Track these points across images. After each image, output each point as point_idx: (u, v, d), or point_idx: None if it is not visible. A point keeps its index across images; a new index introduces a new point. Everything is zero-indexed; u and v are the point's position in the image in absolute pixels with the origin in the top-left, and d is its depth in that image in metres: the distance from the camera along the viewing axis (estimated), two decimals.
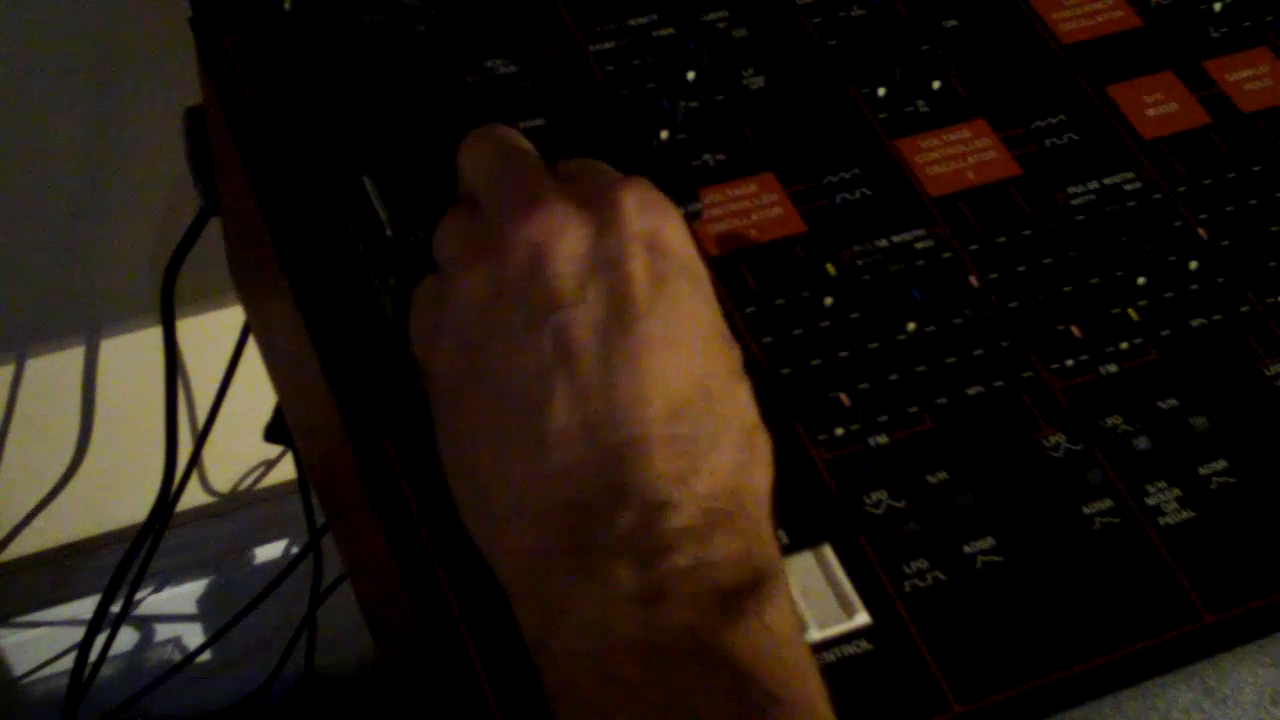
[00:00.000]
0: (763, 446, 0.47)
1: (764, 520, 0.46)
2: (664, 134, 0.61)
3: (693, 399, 0.45)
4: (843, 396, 0.54)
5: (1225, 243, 0.61)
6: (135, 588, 1.04)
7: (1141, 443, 0.55)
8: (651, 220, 0.47)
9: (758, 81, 0.64)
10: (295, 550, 1.25)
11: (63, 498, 1.14)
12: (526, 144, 0.50)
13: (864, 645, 0.49)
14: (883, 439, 0.54)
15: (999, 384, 0.56)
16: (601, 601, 0.42)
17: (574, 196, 0.46)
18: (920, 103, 0.64)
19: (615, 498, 0.43)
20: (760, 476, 0.47)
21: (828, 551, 0.51)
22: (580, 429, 0.44)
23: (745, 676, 0.41)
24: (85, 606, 1.21)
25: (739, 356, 0.48)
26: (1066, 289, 0.59)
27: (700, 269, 0.48)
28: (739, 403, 0.47)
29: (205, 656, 1.22)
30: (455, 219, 0.49)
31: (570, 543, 0.44)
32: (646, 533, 0.43)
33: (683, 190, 0.57)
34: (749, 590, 0.43)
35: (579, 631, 0.43)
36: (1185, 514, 0.53)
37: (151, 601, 1.25)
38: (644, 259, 0.46)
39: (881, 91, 0.64)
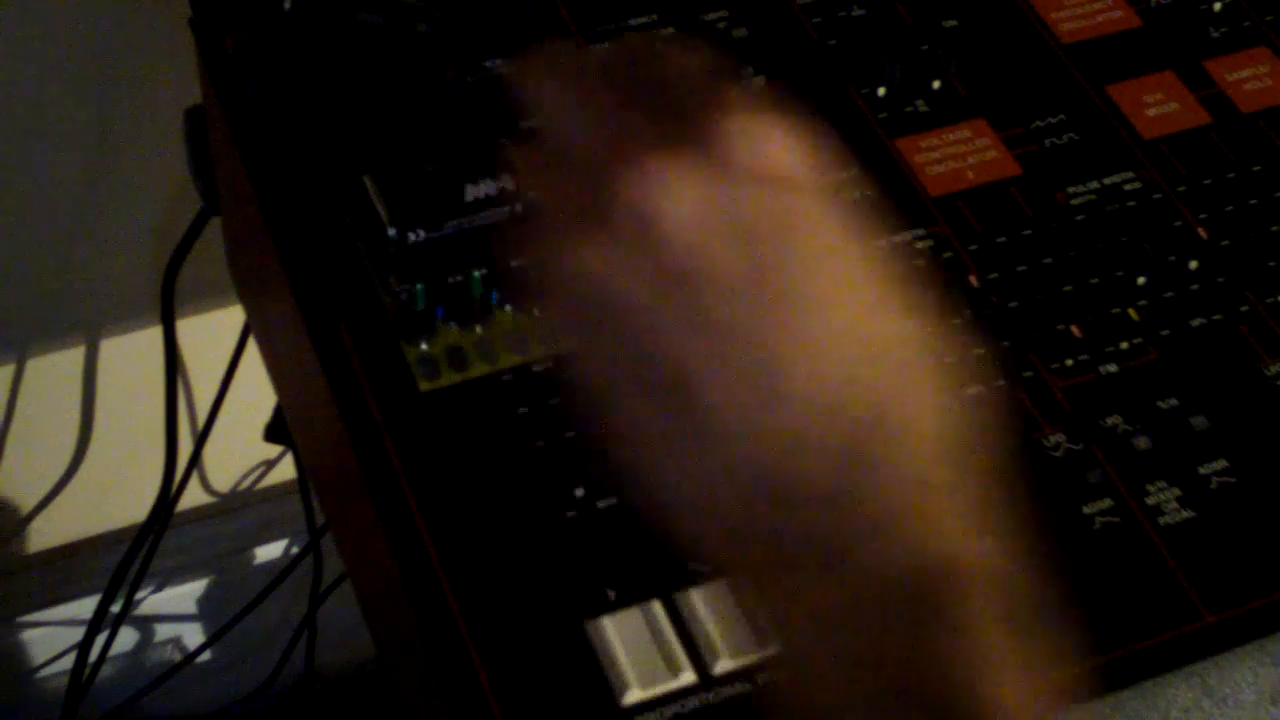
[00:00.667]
0: (950, 390, 0.40)
1: (964, 481, 0.40)
2: None
3: (853, 352, 0.39)
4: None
5: (1225, 243, 0.61)
6: (135, 588, 1.04)
7: (1141, 443, 0.55)
8: (761, 148, 0.40)
9: (758, 81, 0.64)
10: (295, 550, 1.25)
11: (63, 498, 1.14)
12: (592, 60, 0.43)
13: None
14: None
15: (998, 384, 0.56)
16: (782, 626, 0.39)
17: (670, 136, 0.40)
18: (920, 103, 0.64)
19: (788, 493, 0.38)
20: (952, 428, 0.40)
21: None
22: (735, 414, 0.38)
23: (935, 697, 0.37)
24: (85, 606, 1.21)
25: (898, 272, 0.41)
26: (1066, 289, 0.58)
27: (821, 185, 0.41)
28: (913, 340, 0.40)
29: (205, 656, 1.22)
30: (540, 164, 0.42)
31: (744, 549, 0.39)
32: (822, 535, 0.38)
33: None
34: (938, 589, 0.38)
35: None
36: (1185, 514, 0.53)
37: (151, 601, 1.25)
38: (762, 200, 0.39)
39: (881, 91, 0.64)
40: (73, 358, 1.03)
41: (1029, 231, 0.60)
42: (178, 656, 1.28)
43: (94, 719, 1.20)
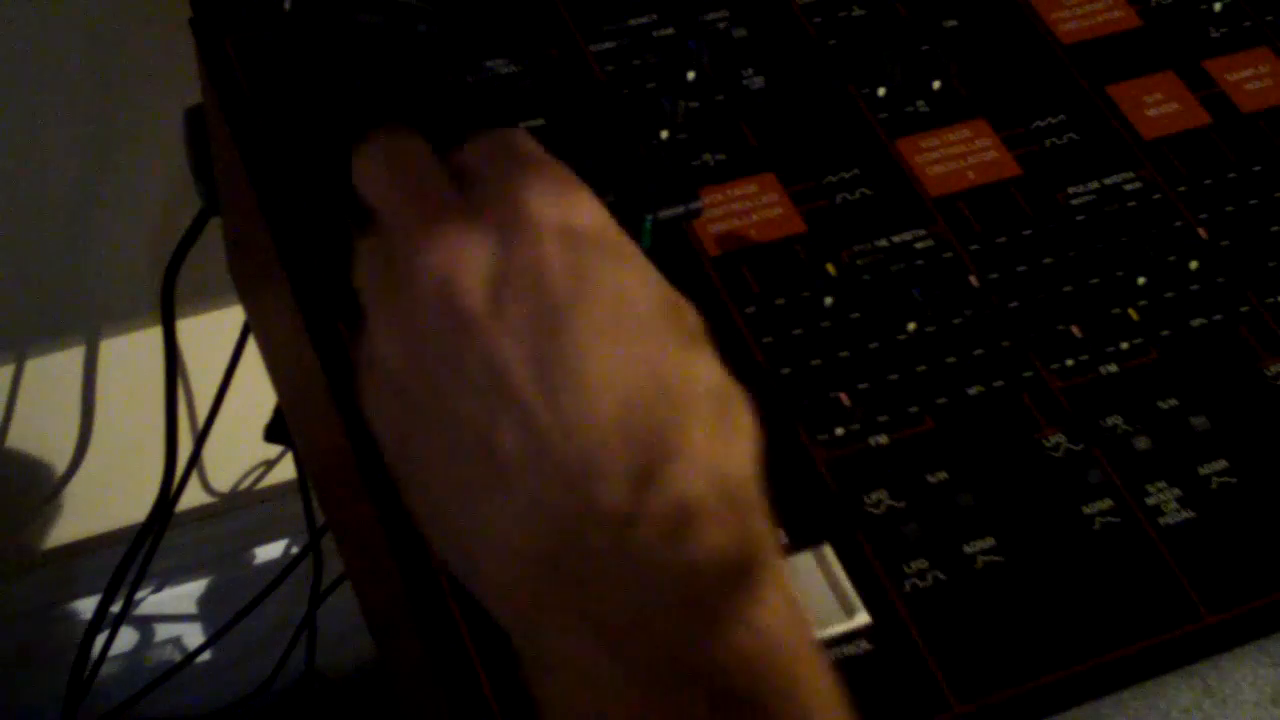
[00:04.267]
0: (738, 411, 0.43)
1: (750, 494, 0.42)
2: (664, 134, 0.61)
3: (644, 385, 0.41)
4: (843, 396, 0.54)
5: (1225, 243, 0.61)
6: (135, 588, 1.04)
7: (1141, 443, 0.55)
8: (559, 206, 0.43)
9: (758, 81, 0.64)
10: (295, 550, 1.25)
11: (63, 498, 1.14)
12: (417, 145, 0.46)
13: (864, 645, 0.49)
14: (883, 439, 0.54)
15: (999, 384, 0.56)
16: (584, 648, 0.40)
17: (470, 206, 0.43)
18: (920, 103, 0.64)
19: (581, 520, 0.40)
20: (740, 444, 0.43)
21: (828, 551, 0.51)
22: (533, 455, 0.40)
23: (733, 696, 0.39)
24: (85, 606, 1.21)
25: (693, 319, 0.44)
26: (1066, 289, 0.59)
27: (624, 243, 0.44)
28: (699, 372, 0.43)
29: (205, 656, 1.22)
30: (362, 250, 0.45)
31: (545, 579, 0.41)
32: (619, 551, 0.40)
33: (683, 190, 0.57)
34: (735, 589, 0.40)
35: (567, 687, 0.41)
36: (1185, 514, 0.53)
37: (151, 601, 1.25)
38: (558, 253, 0.42)
39: (881, 91, 0.64)
40: (73, 358, 1.03)
41: (1029, 231, 0.60)
42: (178, 656, 1.28)
43: (94, 719, 1.20)
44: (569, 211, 0.43)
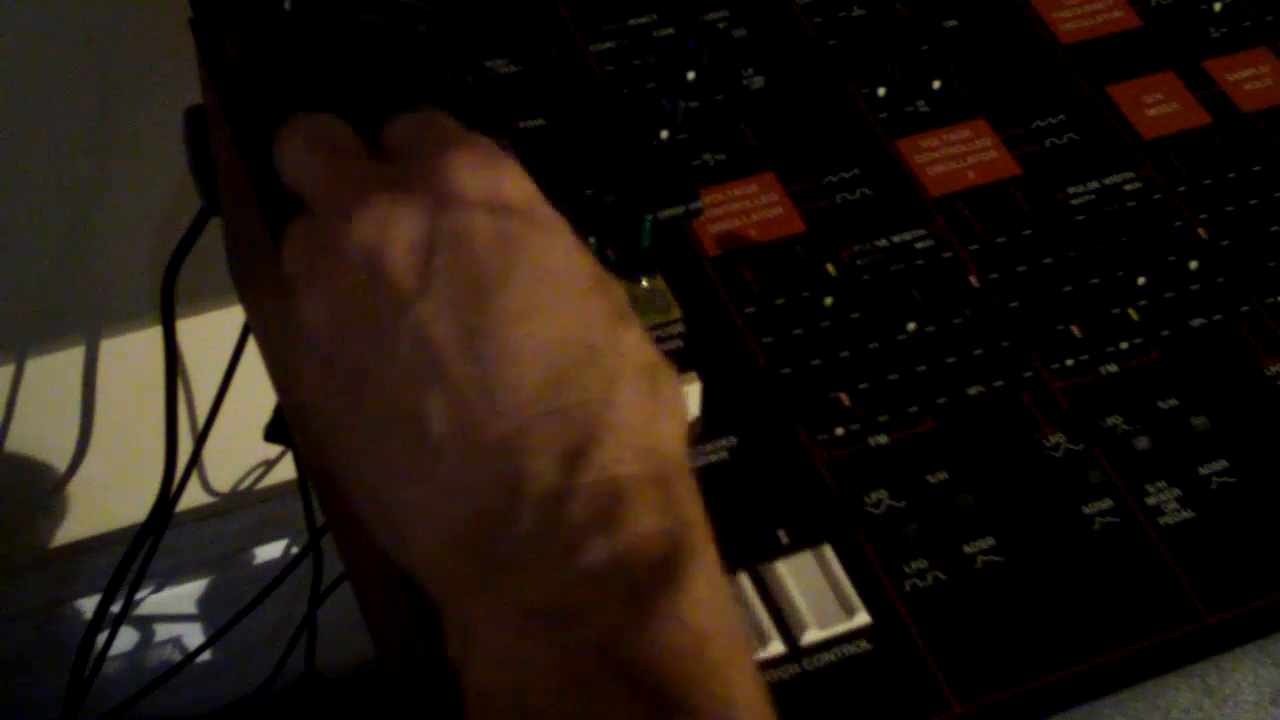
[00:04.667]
0: (667, 387, 0.42)
1: (680, 473, 0.41)
2: (664, 134, 0.61)
3: (573, 359, 0.40)
4: (843, 396, 0.54)
5: (1225, 243, 0.61)
6: (135, 588, 1.04)
7: (1141, 443, 0.55)
8: (486, 179, 0.42)
9: (758, 81, 0.64)
10: (295, 550, 1.25)
11: (63, 498, 1.14)
12: (340, 127, 0.46)
13: (864, 645, 0.49)
14: (883, 439, 0.54)
15: (999, 384, 0.56)
16: (511, 631, 0.39)
17: (398, 178, 0.42)
18: (920, 103, 0.64)
19: (510, 498, 0.39)
20: (670, 422, 0.42)
21: (828, 551, 0.51)
22: (461, 430, 0.40)
23: (659, 693, 0.38)
24: (85, 606, 1.21)
25: (621, 296, 0.43)
26: (1066, 289, 0.59)
27: (552, 216, 0.44)
28: (628, 347, 0.42)
29: (205, 656, 1.22)
30: (293, 228, 0.45)
31: (472, 563, 0.40)
32: (548, 533, 0.39)
33: (683, 190, 0.57)
34: (666, 580, 0.39)
35: (491, 666, 0.40)
36: (1185, 514, 0.53)
37: (151, 601, 1.25)
38: (486, 224, 0.41)
39: (881, 91, 0.64)
40: (73, 358, 1.03)
41: (1029, 231, 0.60)
42: (178, 656, 1.28)
43: (94, 719, 1.20)
44: (497, 184, 0.43)
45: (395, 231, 0.41)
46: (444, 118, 0.46)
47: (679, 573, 0.39)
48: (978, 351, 0.57)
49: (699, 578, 0.40)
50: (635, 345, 0.42)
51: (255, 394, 0.90)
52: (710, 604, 0.40)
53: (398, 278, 0.41)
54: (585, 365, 0.41)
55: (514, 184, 0.43)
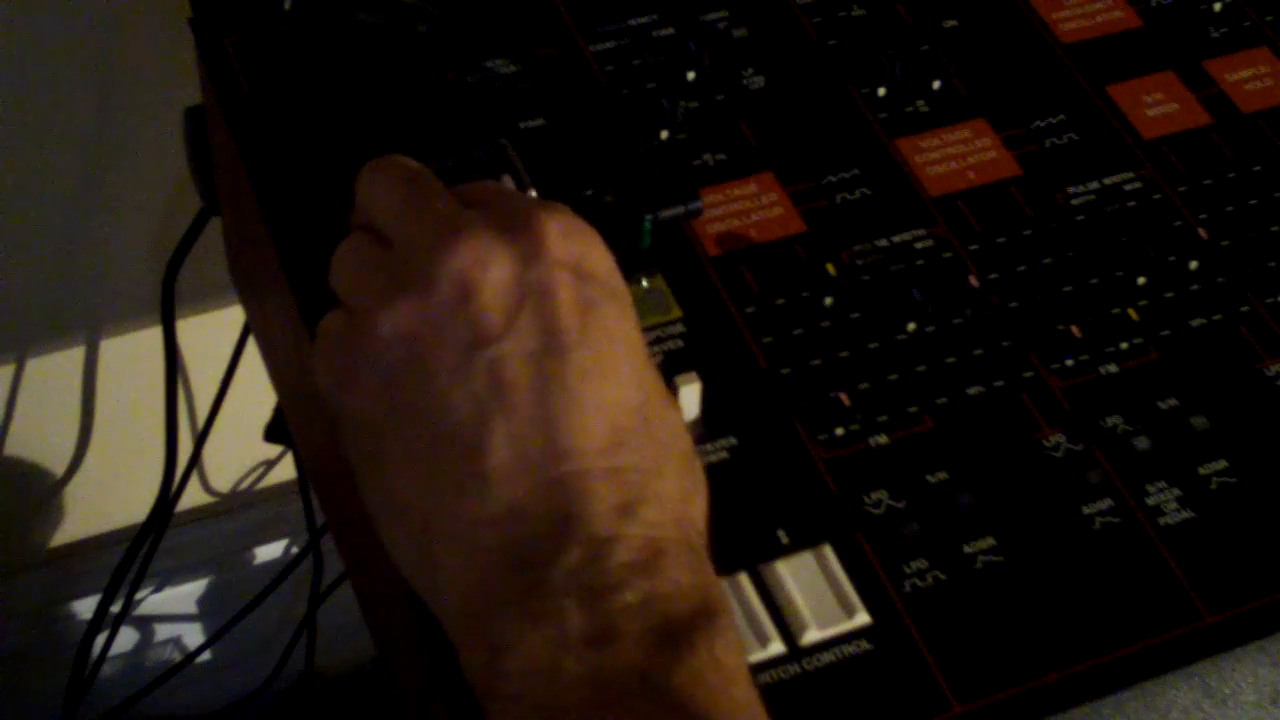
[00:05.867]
0: (700, 473, 0.46)
1: (704, 547, 0.45)
2: (664, 134, 0.61)
3: (632, 427, 0.44)
4: (843, 396, 0.54)
5: (1225, 243, 0.61)
6: (135, 588, 1.04)
7: (1141, 443, 0.55)
8: (575, 246, 0.45)
9: (758, 81, 0.64)
10: (295, 550, 1.25)
11: (63, 498, 1.14)
12: (428, 172, 0.48)
13: (864, 645, 0.49)
14: (883, 439, 0.54)
15: (999, 384, 0.56)
16: (549, 644, 0.41)
17: (493, 223, 0.44)
18: (920, 103, 0.64)
19: (560, 534, 0.42)
20: (700, 504, 0.46)
21: (828, 551, 0.51)
22: (520, 465, 0.43)
23: (697, 717, 0.40)
24: (85, 606, 1.21)
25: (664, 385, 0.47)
26: (1066, 289, 0.59)
27: (626, 294, 0.47)
28: (675, 428, 0.46)
29: (205, 656, 1.22)
30: (359, 251, 0.46)
31: (515, 583, 0.42)
32: (594, 569, 0.42)
33: (683, 190, 0.57)
34: (698, 624, 0.42)
35: (526, 677, 0.41)
36: (1185, 514, 0.53)
37: (151, 601, 1.25)
38: (571, 286, 0.44)
39: (881, 91, 0.64)
40: (73, 358, 1.03)
41: (1029, 231, 0.60)
42: (178, 656, 1.28)
43: (94, 719, 1.20)
44: (584, 252, 0.45)
45: (491, 268, 0.43)
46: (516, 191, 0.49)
47: (710, 620, 0.42)
48: (978, 351, 0.57)
49: (727, 630, 0.43)
50: (680, 427, 0.46)
51: (255, 394, 0.90)
52: (736, 654, 0.43)
53: (485, 313, 0.43)
54: (641, 435, 0.44)
55: (598, 255, 0.46)
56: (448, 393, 0.43)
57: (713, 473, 0.52)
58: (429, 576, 0.45)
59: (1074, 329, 0.57)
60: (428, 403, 0.43)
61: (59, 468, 1.11)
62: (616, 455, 0.43)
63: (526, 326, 0.43)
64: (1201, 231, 0.61)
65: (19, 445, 1.08)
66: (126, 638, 1.26)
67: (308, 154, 0.58)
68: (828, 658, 0.49)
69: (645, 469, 0.44)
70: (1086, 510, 0.53)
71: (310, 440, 0.67)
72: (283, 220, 0.57)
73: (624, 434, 0.44)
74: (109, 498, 1.15)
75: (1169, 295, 0.59)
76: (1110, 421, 0.55)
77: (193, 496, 1.18)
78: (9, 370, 1.01)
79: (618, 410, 0.44)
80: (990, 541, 0.52)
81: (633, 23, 0.65)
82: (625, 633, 0.41)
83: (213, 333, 1.01)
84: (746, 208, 0.60)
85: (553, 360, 0.43)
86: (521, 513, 0.42)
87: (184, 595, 1.27)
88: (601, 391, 0.44)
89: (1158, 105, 0.65)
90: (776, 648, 0.49)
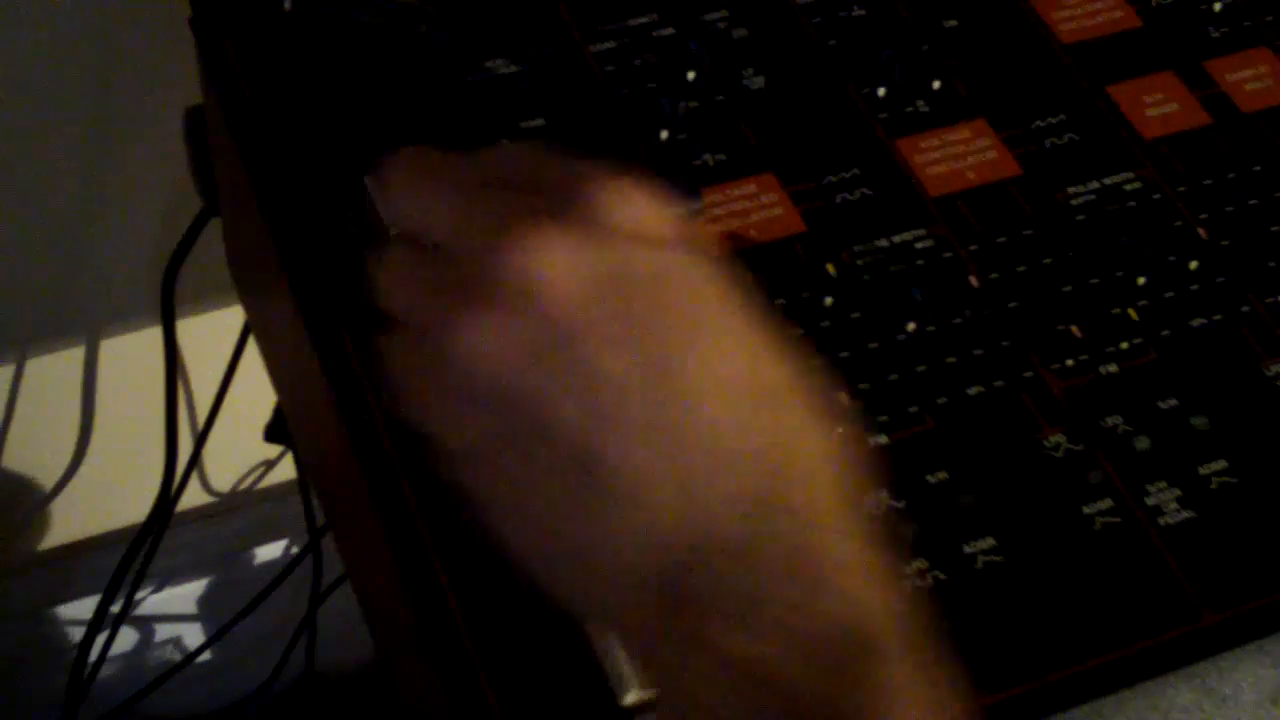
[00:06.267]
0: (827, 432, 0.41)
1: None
2: (664, 134, 0.61)
3: (744, 400, 0.39)
4: (844, 396, 0.54)
5: (1225, 243, 0.61)
6: (135, 588, 1.04)
7: (1141, 443, 0.55)
8: (630, 210, 0.41)
9: (758, 81, 0.64)
10: (295, 550, 1.25)
11: (63, 498, 1.14)
12: (450, 158, 0.44)
13: None
14: (883, 439, 0.54)
15: (999, 384, 0.56)
16: (710, 667, 0.38)
17: (541, 206, 0.40)
18: (920, 103, 0.64)
19: (704, 541, 0.38)
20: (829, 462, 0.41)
21: None
22: (646, 466, 0.38)
23: None
24: (85, 606, 1.21)
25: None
26: (1066, 289, 0.59)
27: (705, 256, 0.42)
28: (792, 390, 0.41)
29: (205, 656, 1.22)
30: (406, 264, 0.42)
31: (667, 603, 0.38)
32: (748, 577, 0.38)
33: (683, 190, 0.57)
34: (856, 655, 0.39)
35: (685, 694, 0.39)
36: (1185, 514, 0.53)
37: (151, 601, 1.25)
38: (637, 256, 0.40)
39: (881, 91, 0.64)
40: (73, 358, 1.03)
41: (1029, 231, 0.60)
42: (178, 656, 1.28)
43: (94, 719, 1.20)
44: (637, 216, 0.41)
45: (559, 258, 0.39)
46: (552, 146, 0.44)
47: (863, 632, 0.40)
48: (978, 351, 0.57)
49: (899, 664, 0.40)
50: (797, 388, 0.41)
51: (255, 394, 0.90)
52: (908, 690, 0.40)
53: (567, 306, 0.39)
54: (761, 409, 0.40)
55: (663, 216, 0.41)
56: (552, 403, 0.38)
57: None
58: (582, 605, 0.41)
59: (1074, 329, 0.57)
60: (532, 418, 0.39)
61: (59, 468, 1.11)
62: (742, 438, 0.39)
63: (613, 313, 0.38)
64: (1201, 231, 0.61)
65: (19, 445, 1.08)
66: (126, 638, 1.26)
67: (308, 154, 0.58)
68: None
69: (776, 444, 0.39)
70: (1087, 510, 0.53)
71: (310, 440, 0.67)
72: (283, 220, 0.57)
73: (736, 411, 0.39)
74: (109, 498, 1.15)
75: (1169, 295, 0.59)
76: (1110, 421, 0.55)
77: (193, 496, 1.18)
78: (9, 370, 1.01)
79: (723, 388, 0.39)
80: (990, 541, 0.52)
81: (633, 23, 0.65)
82: (787, 665, 0.38)
83: (213, 333, 1.01)
84: (746, 208, 0.60)
85: (650, 341, 0.39)
86: (664, 518, 0.38)
87: (184, 595, 1.27)
88: (699, 372, 0.39)
89: (1158, 105, 0.65)
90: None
